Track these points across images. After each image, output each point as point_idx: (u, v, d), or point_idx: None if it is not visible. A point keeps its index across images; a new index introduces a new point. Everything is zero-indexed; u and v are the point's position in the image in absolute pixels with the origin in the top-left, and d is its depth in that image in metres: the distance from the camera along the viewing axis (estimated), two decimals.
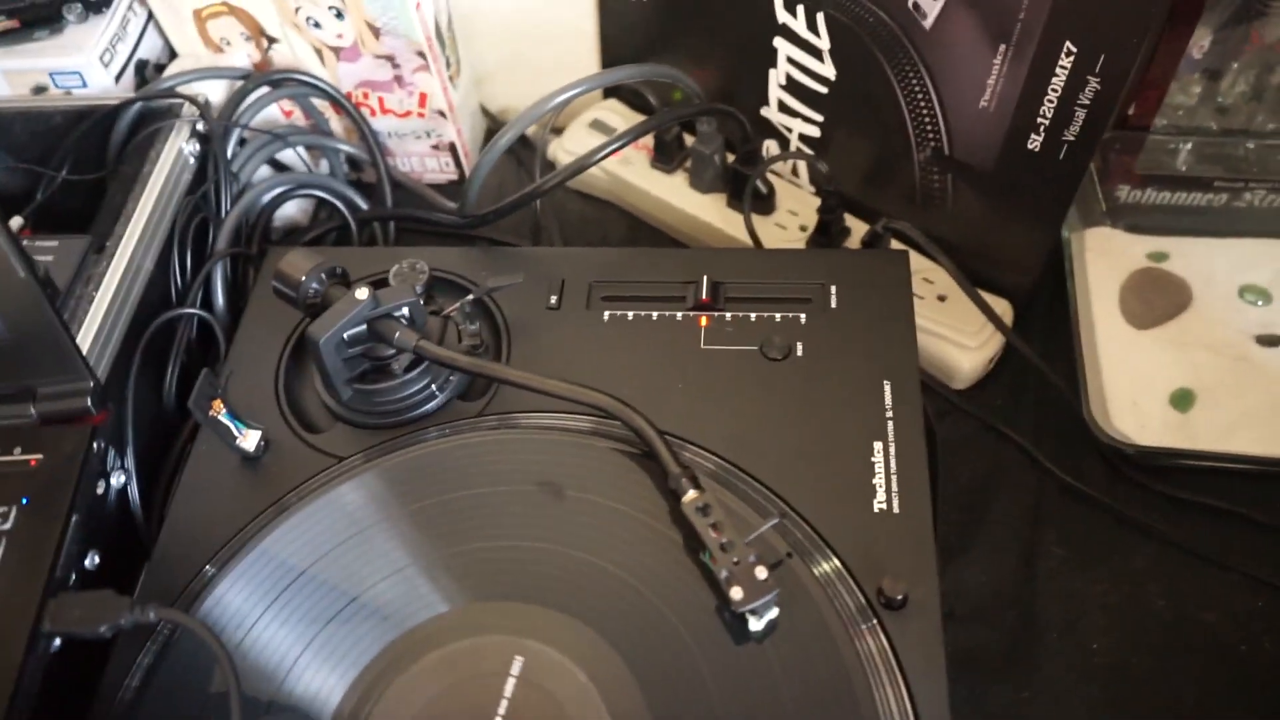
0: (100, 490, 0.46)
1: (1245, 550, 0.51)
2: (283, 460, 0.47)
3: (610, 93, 0.73)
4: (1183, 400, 0.55)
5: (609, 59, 0.71)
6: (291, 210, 0.67)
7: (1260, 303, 0.58)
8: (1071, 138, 0.51)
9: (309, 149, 0.68)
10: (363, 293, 0.45)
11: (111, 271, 0.51)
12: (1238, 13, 0.59)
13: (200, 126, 0.60)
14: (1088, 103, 0.49)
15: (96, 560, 0.43)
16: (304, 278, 0.46)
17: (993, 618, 0.50)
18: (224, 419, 0.45)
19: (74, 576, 0.42)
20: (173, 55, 0.68)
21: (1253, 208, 0.63)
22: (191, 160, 0.59)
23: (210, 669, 0.40)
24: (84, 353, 0.45)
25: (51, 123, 0.60)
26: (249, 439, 0.46)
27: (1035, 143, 0.52)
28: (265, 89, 0.64)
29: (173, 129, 0.59)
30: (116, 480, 0.47)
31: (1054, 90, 0.50)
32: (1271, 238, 0.61)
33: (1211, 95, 0.64)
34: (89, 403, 0.44)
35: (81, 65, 0.63)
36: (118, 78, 0.65)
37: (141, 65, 0.67)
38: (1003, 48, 0.50)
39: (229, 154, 0.61)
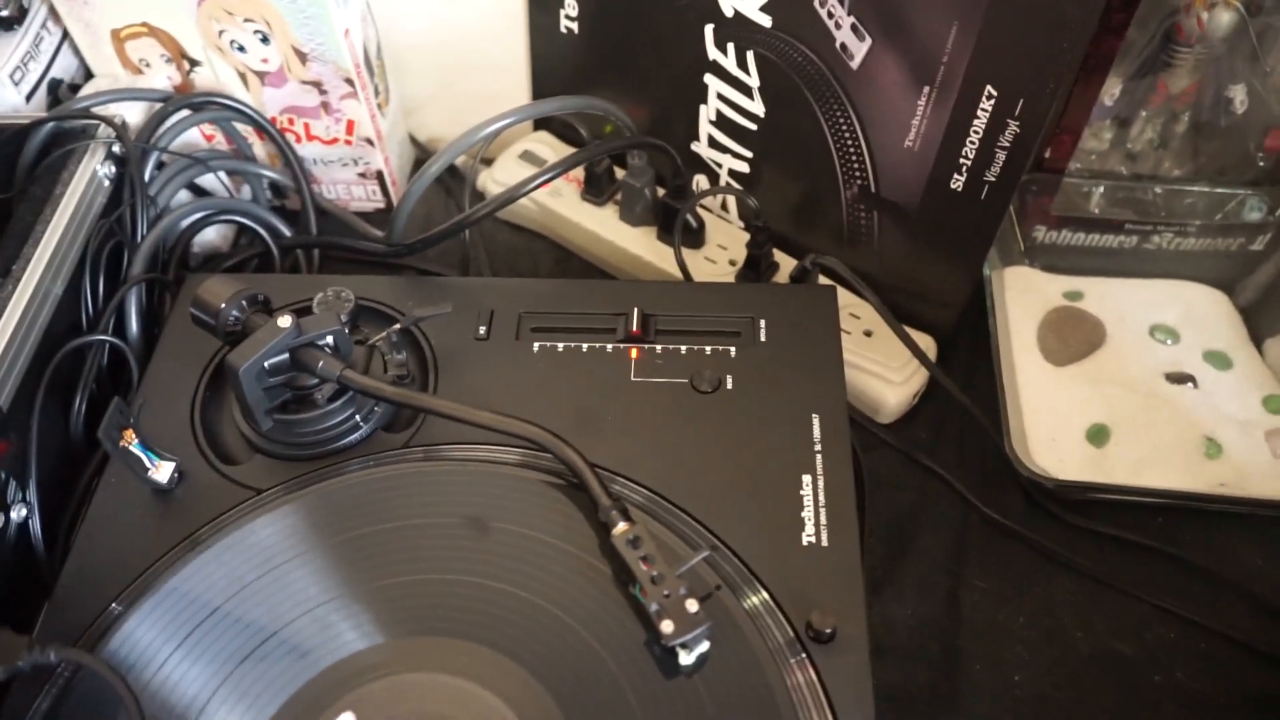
0: None
1: (1157, 582, 0.52)
2: (197, 493, 0.45)
3: (541, 125, 0.73)
4: (1098, 435, 0.56)
5: (539, 92, 0.71)
6: (211, 236, 0.65)
7: (1169, 341, 0.61)
8: (992, 178, 0.52)
9: (231, 174, 0.67)
10: (285, 320, 0.44)
11: (17, 296, 0.49)
12: (1145, 64, 0.62)
13: (116, 148, 0.58)
14: (1008, 145, 0.51)
15: None
16: (224, 305, 0.45)
17: (917, 651, 0.50)
18: (135, 449, 0.44)
19: None
20: (89, 75, 0.66)
21: (1161, 250, 0.66)
22: (106, 182, 0.57)
23: (114, 714, 0.38)
24: None
25: None
26: (162, 471, 0.44)
27: (958, 182, 0.53)
28: (186, 112, 0.62)
29: (87, 150, 0.57)
30: (17, 514, 0.45)
31: (975, 132, 0.51)
32: (1178, 279, 0.64)
33: (1122, 142, 0.66)
34: None
35: None
36: (29, 97, 0.62)
37: (55, 85, 0.65)
38: (927, 90, 0.52)
39: (146, 177, 0.59)
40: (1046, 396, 0.58)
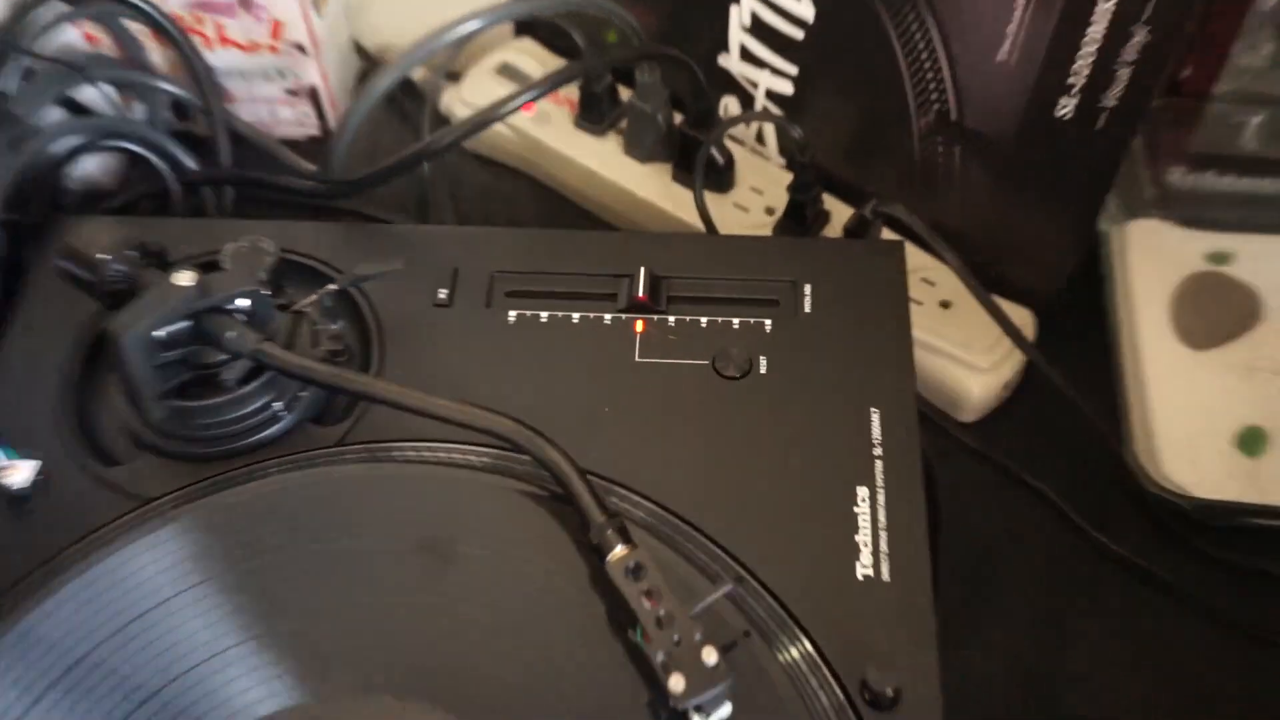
0: None
1: None
2: (64, 502, 0.45)
3: (524, 29, 0.73)
4: (1252, 442, 0.56)
5: None
6: (91, 167, 0.66)
7: None
8: (1112, 103, 0.52)
9: (119, 87, 0.66)
10: (185, 278, 0.44)
11: None
12: None
13: None
14: (1133, 60, 0.50)
15: None
16: (104, 255, 0.45)
17: (1006, 717, 0.50)
18: None
19: None
20: None
21: None
22: None
23: None
24: None
25: None
26: (18, 473, 0.44)
27: (1066, 108, 0.53)
28: (62, 5, 0.62)
29: None
30: None
31: (1091, 42, 0.50)
32: None
33: None
34: None
35: None
36: None
37: None
38: None
39: (10, 90, 0.58)
40: (1183, 390, 0.57)
